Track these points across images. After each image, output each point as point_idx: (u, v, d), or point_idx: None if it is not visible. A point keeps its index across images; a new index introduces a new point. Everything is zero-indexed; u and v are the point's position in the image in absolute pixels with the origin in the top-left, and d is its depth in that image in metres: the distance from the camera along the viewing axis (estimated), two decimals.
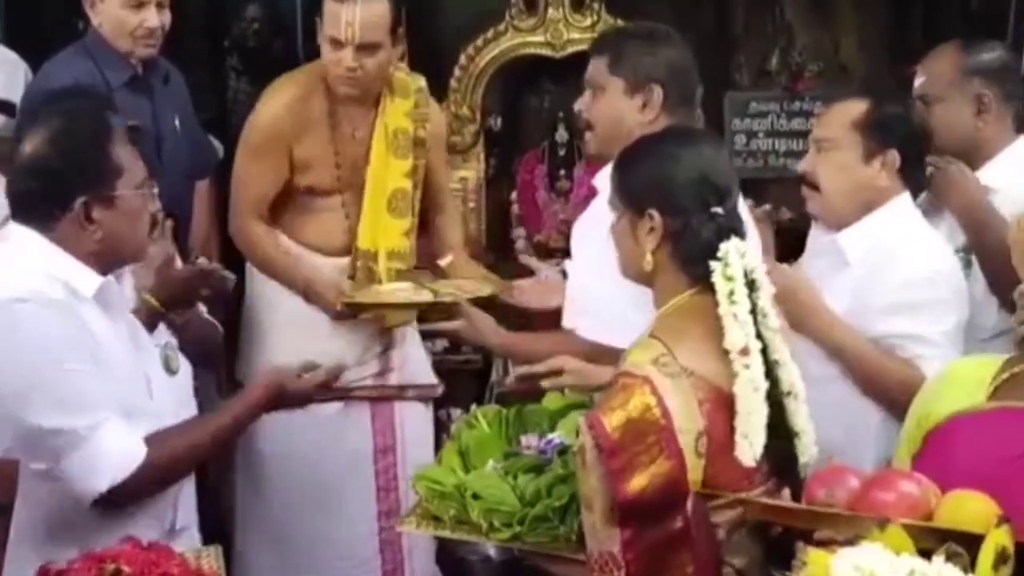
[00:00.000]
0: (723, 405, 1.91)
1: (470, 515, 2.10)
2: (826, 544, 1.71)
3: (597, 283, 2.38)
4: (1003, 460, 1.90)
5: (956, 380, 2.08)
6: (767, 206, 3.11)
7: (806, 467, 2.03)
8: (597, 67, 2.65)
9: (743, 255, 1.96)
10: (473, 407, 2.51)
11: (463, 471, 2.20)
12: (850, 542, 1.69)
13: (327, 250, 3.07)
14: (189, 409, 2.32)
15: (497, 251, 3.79)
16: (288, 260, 3.05)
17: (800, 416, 2.01)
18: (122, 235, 2.12)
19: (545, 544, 2.06)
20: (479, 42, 3.88)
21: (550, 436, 2.25)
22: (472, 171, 3.91)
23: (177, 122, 3.26)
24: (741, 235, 2.00)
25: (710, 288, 1.95)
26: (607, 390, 1.96)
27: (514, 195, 4.05)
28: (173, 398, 2.26)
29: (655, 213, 1.98)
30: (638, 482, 1.85)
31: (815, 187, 2.58)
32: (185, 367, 2.36)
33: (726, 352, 1.93)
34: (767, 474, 1.97)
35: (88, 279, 2.09)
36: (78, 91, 2.58)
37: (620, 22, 3.85)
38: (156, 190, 2.19)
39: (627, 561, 1.88)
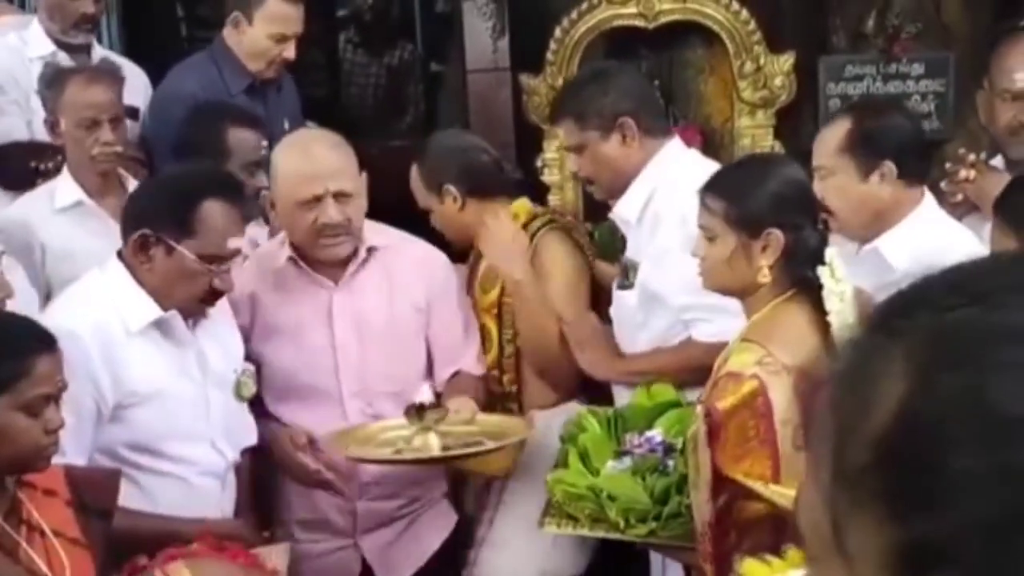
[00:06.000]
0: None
1: (607, 514, 2.30)
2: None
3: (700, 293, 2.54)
4: None
5: None
6: None
7: None
8: (568, 131, 2.91)
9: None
10: (580, 409, 2.70)
11: (588, 472, 2.42)
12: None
13: None
14: (247, 432, 2.64)
15: (594, 219, 3.89)
16: None
17: None
18: (168, 285, 2.39)
19: (678, 537, 2.25)
20: (573, 15, 3.96)
21: (649, 433, 2.47)
22: None
23: (286, 125, 3.54)
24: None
25: (803, 291, 2.16)
26: (715, 387, 2.13)
27: None
28: (230, 422, 2.57)
29: (775, 231, 2.14)
30: (730, 456, 2.05)
31: (829, 211, 2.59)
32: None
33: (822, 344, 2.10)
34: None
35: (143, 313, 2.38)
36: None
37: None
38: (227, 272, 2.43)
39: (716, 533, 2.07)
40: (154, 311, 2.40)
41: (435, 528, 2.99)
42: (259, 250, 2.91)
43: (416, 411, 2.58)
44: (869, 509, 0.60)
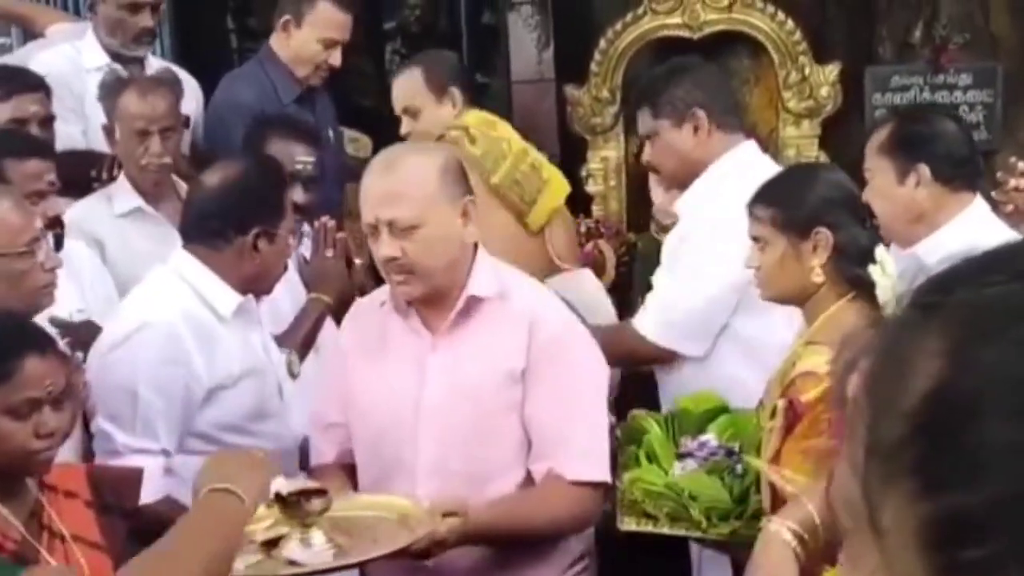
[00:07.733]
0: None
1: (689, 512, 2.29)
2: None
3: (692, 299, 2.67)
4: None
5: None
6: None
7: None
8: (643, 120, 2.95)
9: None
10: (632, 412, 2.67)
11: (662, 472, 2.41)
12: None
13: None
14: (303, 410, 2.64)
15: (638, 228, 3.90)
16: None
17: None
18: (272, 267, 2.53)
19: None
20: (618, 26, 3.98)
21: (703, 438, 2.47)
22: (612, 151, 4.03)
23: (331, 132, 3.58)
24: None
25: (862, 294, 2.15)
26: (791, 386, 2.13)
27: None
28: (299, 399, 2.63)
29: (823, 230, 2.18)
30: (797, 448, 2.05)
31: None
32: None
33: None
34: None
35: (229, 300, 2.48)
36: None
37: (759, 2, 3.90)
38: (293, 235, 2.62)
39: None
40: (236, 297, 2.49)
41: None
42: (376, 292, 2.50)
43: (276, 500, 1.99)
44: (902, 484, 0.59)
